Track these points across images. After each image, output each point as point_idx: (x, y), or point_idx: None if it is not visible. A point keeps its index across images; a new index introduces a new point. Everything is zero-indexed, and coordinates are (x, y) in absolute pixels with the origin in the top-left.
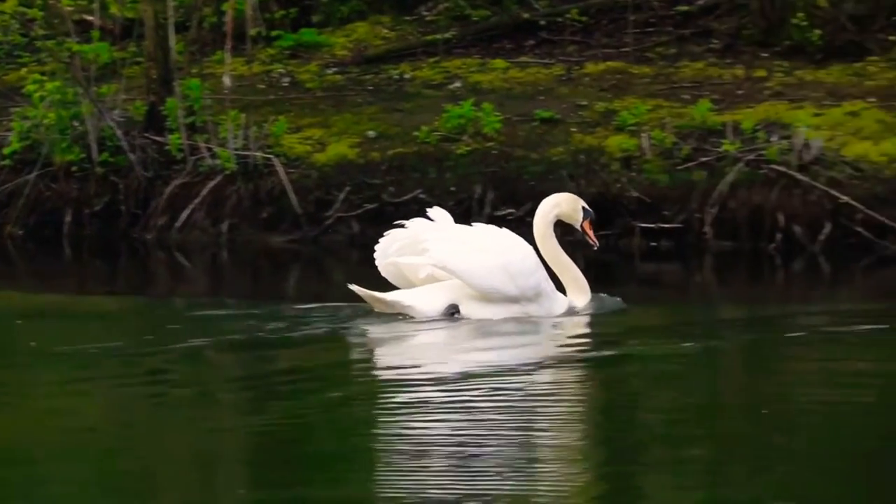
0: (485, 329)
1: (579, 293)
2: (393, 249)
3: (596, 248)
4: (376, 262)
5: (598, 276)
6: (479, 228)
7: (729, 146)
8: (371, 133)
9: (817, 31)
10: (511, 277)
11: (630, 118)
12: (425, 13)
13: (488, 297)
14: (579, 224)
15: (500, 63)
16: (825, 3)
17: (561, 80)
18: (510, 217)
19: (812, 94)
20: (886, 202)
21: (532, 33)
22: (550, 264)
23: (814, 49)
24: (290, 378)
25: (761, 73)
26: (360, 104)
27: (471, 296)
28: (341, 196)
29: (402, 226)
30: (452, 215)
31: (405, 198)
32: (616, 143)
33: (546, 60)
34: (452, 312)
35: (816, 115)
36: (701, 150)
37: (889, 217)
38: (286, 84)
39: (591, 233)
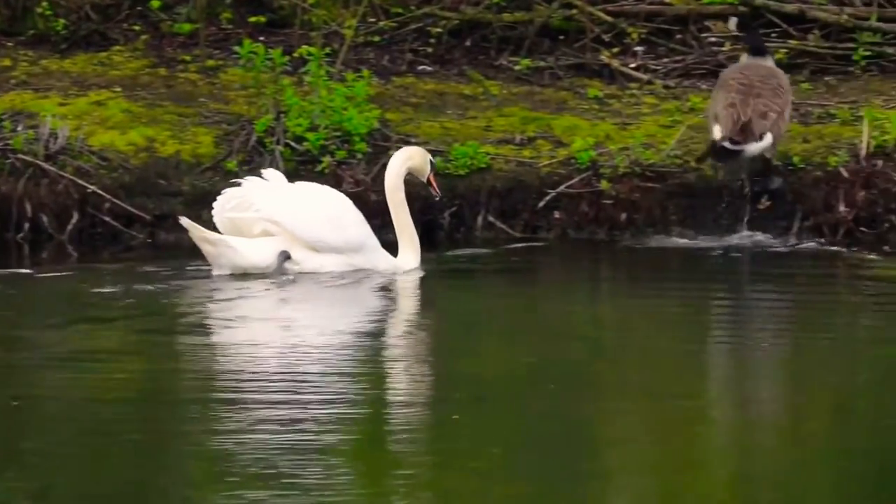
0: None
1: (412, 252)
2: (229, 206)
3: (438, 199)
4: (214, 219)
5: None
6: (303, 185)
7: None
8: None
9: (62, 21)
10: (336, 229)
11: None
12: None
13: (315, 247)
14: (426, 176)
15: None
16: None
17: None
18: None
19: (58, 84)
20: (133, 192)
21: None
22: (394, 219)
23: (58, 38)
24: None
25: (7, 62)
26: None
27: (300, 247)
28: None
29: (238, 184)
30: None
31: None
32: None
33: None
34: (284, 259)
35: (62, 104)
36: None
37: (135, 206)
38: None
39: (435, 184)
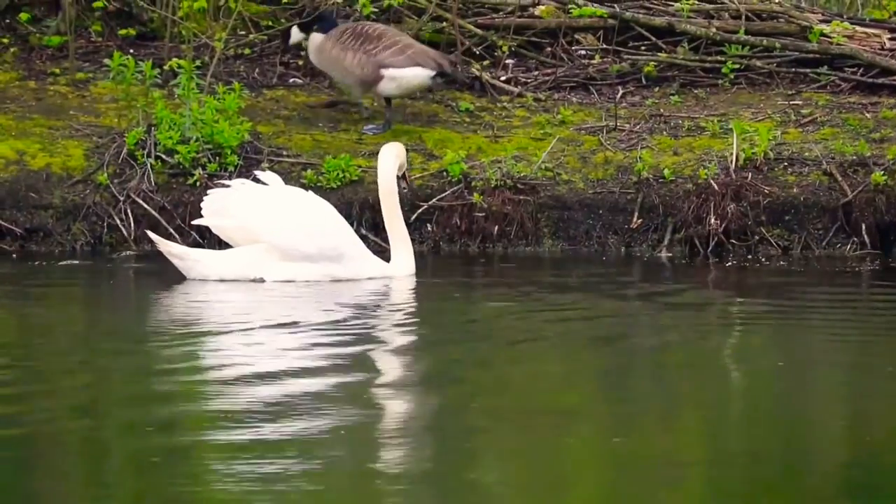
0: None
1: (406, 257)
2: (212, 209)
3: (407, 191)
4: (203, 221)
5: None
6: (283, 190)
7: None
8: None
9: None
10: (309, 236)
11: None
12: None
13: (288, 255)
14: (404, 170)
15: None
16: None
17: None
18: None
19: None
20: (3, 204)
21: None
22: (386, 222)
23: None
24: None
25: None
26: None
27: (273, 258)
28: None
29: (225, 185)
30: None
31: None
32: None
33: None
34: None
35: None
36: None
37: (6, 219)
38: None
39: (409, 176)
